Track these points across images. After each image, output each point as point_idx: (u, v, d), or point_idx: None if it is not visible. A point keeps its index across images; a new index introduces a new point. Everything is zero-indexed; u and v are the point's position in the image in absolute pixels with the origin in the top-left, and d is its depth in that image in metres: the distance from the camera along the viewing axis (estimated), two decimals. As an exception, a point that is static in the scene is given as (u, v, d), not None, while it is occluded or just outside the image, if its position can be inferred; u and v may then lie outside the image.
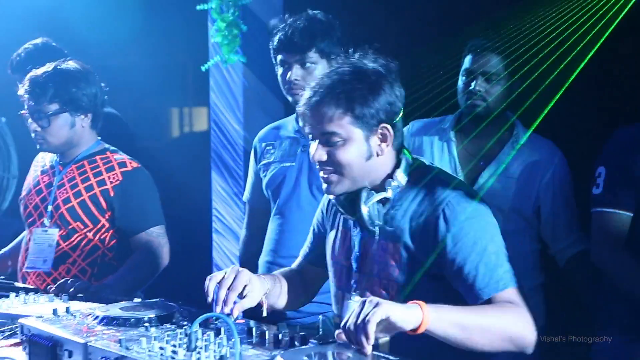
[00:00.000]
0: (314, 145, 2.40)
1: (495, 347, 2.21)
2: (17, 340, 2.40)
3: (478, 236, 2.28)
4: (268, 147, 3.48)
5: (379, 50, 2.43)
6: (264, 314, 2.43)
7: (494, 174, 3.41)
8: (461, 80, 3.48)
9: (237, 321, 2.33)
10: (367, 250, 2.44)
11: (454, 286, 2.32)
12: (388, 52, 2.48)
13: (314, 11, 3.34)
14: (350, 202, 2.42)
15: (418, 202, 2.38)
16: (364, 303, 2.06)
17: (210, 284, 2.32)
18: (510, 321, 2.21)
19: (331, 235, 2.62)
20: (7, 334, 2.52)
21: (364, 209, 2.37)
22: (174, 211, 3.82)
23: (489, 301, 2.25)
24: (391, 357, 1.97)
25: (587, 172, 3.44)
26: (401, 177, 2.40)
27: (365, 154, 2.36)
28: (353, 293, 2.46)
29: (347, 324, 2.05)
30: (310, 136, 2.43)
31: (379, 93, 2.35)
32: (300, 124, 2.42)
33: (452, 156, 3.49)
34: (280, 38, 3.29)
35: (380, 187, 2.41)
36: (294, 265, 2.77)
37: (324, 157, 2.37)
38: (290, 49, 3.27)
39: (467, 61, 3.46)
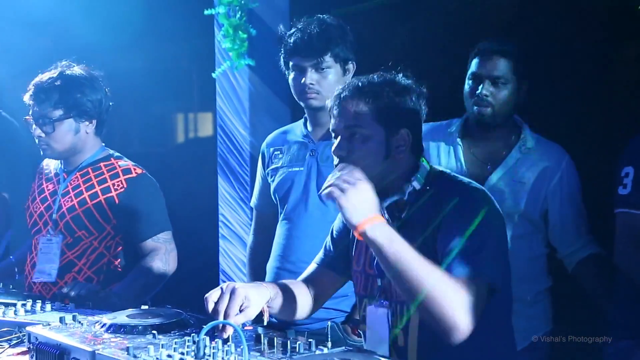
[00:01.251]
0: (336, 141, 2.46)
1: (420, 298, 2.20)
2: (24, 348, 2.39)
3: (467, 225, 2.29)
4: (276, 152, 3.47)
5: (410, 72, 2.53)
6: (265, 322, 2.42)
7: (501, 178, 3.40)
8: (467, 84, 3.46)
9: (245, 328, 2.31)
10: None
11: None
12: (394, 55, 2.51)
13: (324, 16, 3.33)
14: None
15: (432, 205, 2.38)
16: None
17: (209, 307, 2.30)
18: (447, 287, 2.20)
19: (353, 245, 2.63)
20: (14, 342, 2.51)
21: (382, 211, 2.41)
22: (181, 217, 3.81)
23: None
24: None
25: (596, 176, 3.43)
26: (417, 181, 2.44)
27: (384, 153, 2.42)
28: (378, 300, 2.47)
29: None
30: (333, 134, 2.49)
31: (405, 99, 2.44)
32: (331, 123, 2.51)
33: (459, 160, 3.47)
34: (295, 42, 3.27)
35: (397, 190, 2.44)
36: (304, 274, 2.75)
37: (344, 153, 2.43)
38: (307, 52, 3.26)
39: (473, 65, 3.45)
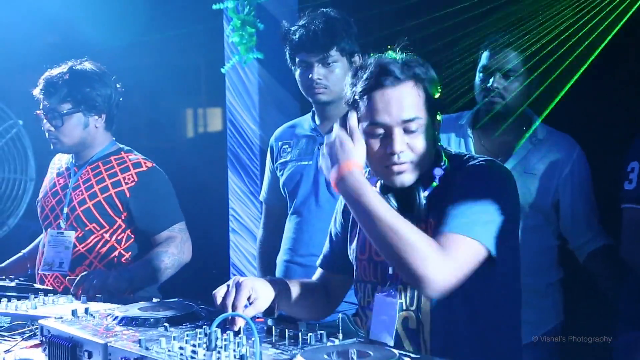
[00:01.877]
0: (396, 137, 2.26)
1: (391, 248, 2.16)
2: (37, 341, 2.40)
3: (477, 196, 2.25)
4: (284, 146, 3.48)
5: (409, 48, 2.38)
6: (275, 315, 2.42)
7: (512, 170, 3.39)
8: (478, 77, 3.46)
9: (256, 320, 2.32)
10: None
11: None
12: (403, 49, 2.46)
13: (328, 9, 3.33)
14: (404, 193, 2.33)
15: (454, 186, 2.31)
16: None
17: (217, 302, 2.29)
18: (419, 238, 2.15)
19: (355, 233, 2.55)
20: (27, 335, 2.53)
21: (422, 201, 2.31)
22: (191, 211, 3.82)
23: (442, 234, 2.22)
24: (413, 355, 1.96)
25: (606, 168, 3.42)
26: (445, 165, 2.35)
27: (432, 141, 2.32)
28: (389, 288, 2.39)
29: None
30: (380, 128, 2.28)
31: (433, 78, 2.32)
32: (376, 117, 2.27)
33: (470, 152, 3.47)
34: (301, 38, 3.28)
35: (427, 177, 2.34)
36: (314, 277, 2.71)
37: (405, 147, 2.27)
38: (313, 48, 3.27)
39: (484, 57, 3.45)
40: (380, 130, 2.29)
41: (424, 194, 2.31)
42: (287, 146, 3.48)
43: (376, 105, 2.27)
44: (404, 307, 2.37)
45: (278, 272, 3.44)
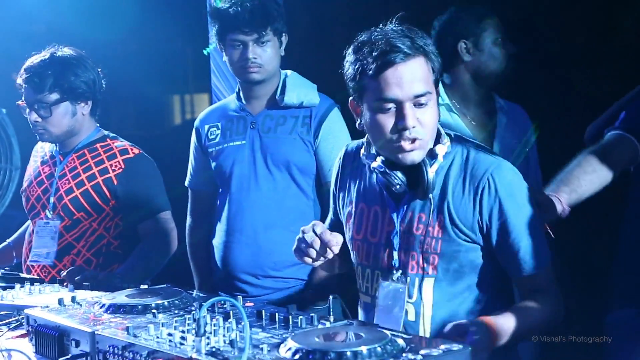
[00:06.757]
0: (407, 113, 2.21)
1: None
2: (24, 331, 2.38)
3: (523, 210, 2.26)
4: (212, 129, 3.49)
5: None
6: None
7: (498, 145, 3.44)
8: None
9: (246, 304, 2.29)
10: (409, 225, 2.33)
11: (496, 257, 2.30)
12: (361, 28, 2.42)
13: None
14: (411, 169, 2.28)
15: (458, 170, 2.30)
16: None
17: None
18: (547, 316, 2.31)
19: (349, 212, 2.51)
20: (13, 325, 2.50)
21: (431, 176, 2.25)
22: (178, 197, 3.80)
23: (527, 277, 2.28)
24: (405, 335, 1.94)
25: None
26: (447, 142, 2.31)
27: (438, 114, 2.29)
28: (395, 272, 2.35)
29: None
30: (389, 103, 2.22)
31: (434, 49, 2.29)
32: (387, 92, 2.21)
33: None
34: (236, 17, 3.26)
35: (430, 153, 2.28)
36: None
37: (416, 123, 2.22)
38: (249, 27, 3.26)
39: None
40: (390, 105, 2.23)
41: (430, 170, 2.27)
42: (216, 128, 3.48)
43: (388, 80, 2.20)
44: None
45: (217, 255, 3.46)
